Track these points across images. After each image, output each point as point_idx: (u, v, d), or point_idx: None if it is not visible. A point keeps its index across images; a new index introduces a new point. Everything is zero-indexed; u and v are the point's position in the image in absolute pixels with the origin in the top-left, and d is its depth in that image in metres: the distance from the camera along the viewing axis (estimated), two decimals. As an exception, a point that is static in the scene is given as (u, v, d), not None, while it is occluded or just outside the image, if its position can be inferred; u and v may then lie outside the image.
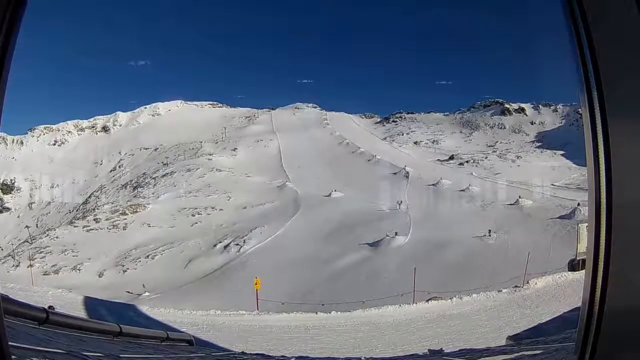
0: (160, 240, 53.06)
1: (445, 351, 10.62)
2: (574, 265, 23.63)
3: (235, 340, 15.68)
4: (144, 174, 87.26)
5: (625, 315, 1.49)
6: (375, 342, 15.97)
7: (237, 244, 46.58)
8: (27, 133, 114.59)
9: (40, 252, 53.64)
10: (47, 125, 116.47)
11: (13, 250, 56.89)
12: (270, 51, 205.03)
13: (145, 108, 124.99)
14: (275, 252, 42.60)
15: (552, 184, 59.86)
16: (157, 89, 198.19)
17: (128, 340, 5.81)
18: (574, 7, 1.54)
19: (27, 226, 74.28)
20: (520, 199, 50.55)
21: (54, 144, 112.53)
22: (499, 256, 34.60)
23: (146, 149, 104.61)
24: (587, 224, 1.67)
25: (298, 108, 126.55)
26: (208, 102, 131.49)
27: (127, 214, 63.60)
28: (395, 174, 69.91)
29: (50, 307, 4.77)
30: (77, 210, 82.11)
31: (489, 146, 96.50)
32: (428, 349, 12.81)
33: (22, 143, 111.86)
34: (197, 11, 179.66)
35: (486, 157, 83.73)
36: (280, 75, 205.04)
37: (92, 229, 60.39)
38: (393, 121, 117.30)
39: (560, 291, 20.36)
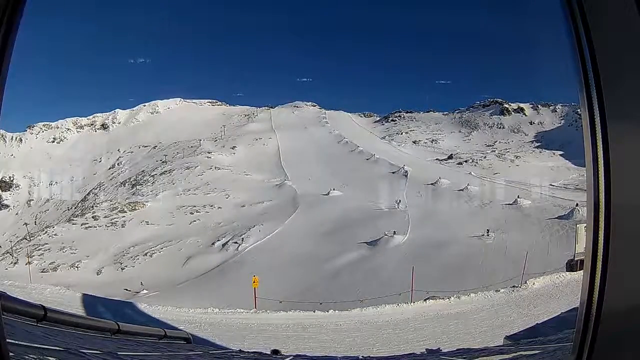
0: (159, 238, 53.04)
1: (442, 350, 10.63)
2: (572, 266, 23.68)
3: (233, 339, 15.69)
4: (142, 171, 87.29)
5: (623, 316, 1.49)
6: (372, 341, 15.98)
7: (236, 242, 46.56)
8: (26, 130, 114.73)
9: (39, 250, 53.62)
10: (46, 123, 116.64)
11: (11, 248, 56.85)
12: (269, 49, 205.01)
13: (145, 106, 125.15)
14: (274, 250, 42.58)
15: (551, 184, 59.85)
16: (157, 87, 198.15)
17: (126, 337, 5.81)
18: (573, 7, 1.54)
19: (25, 223, 74.33)
20: (518, 199, 50.55)
21: (53, 142, 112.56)
22: (497, 256, 34.63)
23: (145, 146, 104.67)
24: (585, 225, 1.68)
25: (297, 106, 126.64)
26: (207, 100, 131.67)
27: (125, 212, 63.59)
28: (393, 173, 69.93)
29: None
30: (75, 208, 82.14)
31: (488, 146, 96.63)
32: (426, 348, 12.83)
33: (21, 140, 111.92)
34: (197, 9, 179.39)
35: (485, 157, 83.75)
36: (279, 73, 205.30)
37: (91, 227, 60.38)
38: (392, 120, 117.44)
39: (558, 291, 20.39)
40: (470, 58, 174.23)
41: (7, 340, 1.94)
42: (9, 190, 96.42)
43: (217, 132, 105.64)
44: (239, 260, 41.98)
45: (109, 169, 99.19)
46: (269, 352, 8.97)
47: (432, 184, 62.14)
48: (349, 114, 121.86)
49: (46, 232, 60.70)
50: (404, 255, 36.60)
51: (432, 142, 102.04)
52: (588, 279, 1.55)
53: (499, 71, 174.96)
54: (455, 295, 21.24)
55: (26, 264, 47.19)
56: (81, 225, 61.44)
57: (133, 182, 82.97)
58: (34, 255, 51.46)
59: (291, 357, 7.77)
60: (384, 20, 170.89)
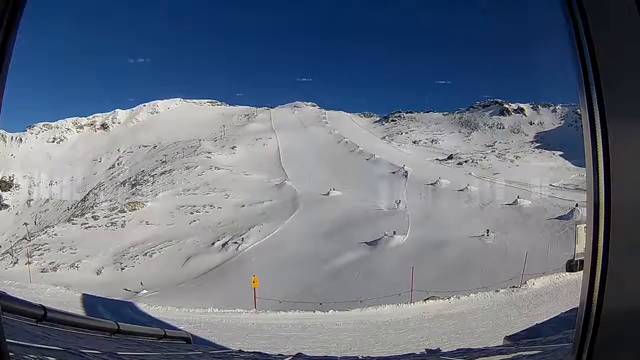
0: (159, 238, 53.05)
1: (442, 351, 10.63)
2: (571, 266, 23.66)
3: (233, 339, 15.67)
4: (142, 171, 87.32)
5: (623, 316, 1.49)
6: (372, 341, 15.97)
7: (235, 242, 46.58)
8: (26, 130, 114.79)
9: (39, 250, 53.61)
10: (46, 123, 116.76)
11: (11, 248, 56.87)
12: (269, 49, 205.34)
13: (144, 106, 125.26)
14: (274, 250, 42.58)
15: (551, 185, 59.88)
16: (156, 87, 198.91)
17: (126, 337, 5.81)
18: (573, 7, 1.54)
19: (25, 223, 74.35)
20: (518, 199, 50.54)
21: (53, 141, 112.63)
22: (497, 256, 34.59)
23: (145, 146, 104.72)
24: (585, 225, 1.67)
25: (297, 106, 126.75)
26: (207, 100, 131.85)
27: (125, 212, 63.60)
28: (393, 173, 69.93)
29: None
30: (75, 208, 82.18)
31: (488, 146, 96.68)
32: (425, 349, 12.82)
33: (21, 140, 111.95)
34: (197, 9, 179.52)
35: (485, 157, 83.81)
36: (280, 73, 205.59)
37: (91, 227, 60.39)
38: (392, 120, 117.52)
39: (557, 292, 20.38)
40: (471, 58, 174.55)
41: (7, 340, 1.94)
42: (9, 190, 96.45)
43: (217, 132, 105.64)
44: (239, 260, 42.00)
45: (109, 169, 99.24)
46: (268, 352, 8.97)
47: (432, 184, 62.13)
48: (349, 114, 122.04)
49: (46, 232, 60.70)
50: (404, 256, 36.58)
51: (432, 142, 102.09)
52: (588, 279, 1.55)
53: (499, 71, 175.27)
54: (455, 296, 21.22)
55: (26, 264, 47.20)
56: (81, 225, 61.45)
57: (133, 182, 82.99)
58: (33, 255, 51.46)
59: (291, 357, 7.76)
60: (384, 20, 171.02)
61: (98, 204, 74.44)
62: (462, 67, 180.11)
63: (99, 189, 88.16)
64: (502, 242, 38.49)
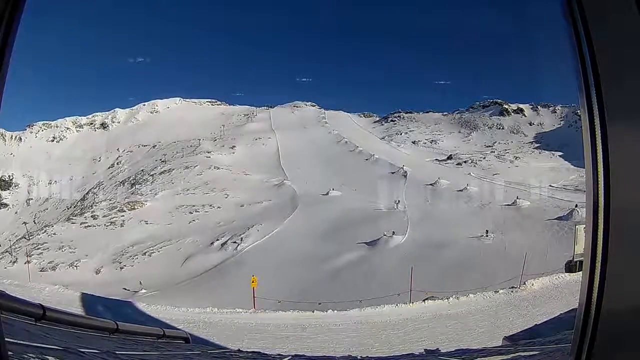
0: (158, 238, 53.01)
1: (441, 351, 10.63)
2: (571, 267, 23.65)
3: (232, 338, 15.68)
4: (142, 171, 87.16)
5: (622, 316, 1.49)
6: (371, 342, 15.97)
7: (235, 242, 46.57)
8: (26, 129, 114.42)
9: (38, 249, 53.58)
10: (45, 122, 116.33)
11: (10, 247, 56.78)
12: (268, 49, 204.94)
13: (144, 105, 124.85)
14: (273, 250, 42.58)
15: (550, 185, 59.83)
16: (156, 86, 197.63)
17: (124, 337, 5.80)
18: (573, 7, 1.54)
19: (24, 222, 74.08)
20: (518, 200, 50.57)
21: (52, 141, 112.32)
22: (496, 257, 34.59)
23: (144, 146, 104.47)
24: (584, 225, 1.67)
25: (296, 106, 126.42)
26: (207, 100, 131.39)
27: (124, 211, 63.56)
28: (393, 173, 69.90)
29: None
30: (74, 207, 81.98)
31: (487, 146, 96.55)
32: (424, 349, 12.82)
33: (21, 139, 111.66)
34: (196, 8, 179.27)
35: (484, 158, 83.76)
36: (279, 73, 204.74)
37: (90, 226, 60.35)
38: (391, 120, 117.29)
39: (557, 292, 20.38)
40: (470, 58, 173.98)
41: (6, 339, 1.93)
42: (9, 189, 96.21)
43: (217, 131, 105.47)
44: (238, 260, 42.00)
45: (109, 168, 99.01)
46: (267, 352, 8.97)
47: (431, 184, 62.12)
48: (348, 114, 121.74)
49: (45, 231, 60.64)
50: (403, 256, 36.60)
51: (431, 142, 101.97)
52: (587, 279, 1.55)
53: (499, 72, 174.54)
54: (454, 296, 21.22)
55: (25, 263, 47.17)
56: (80, 224, 61.42)
57: (132, 182, 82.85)
58: (33, 254, 51.42)
59: (290, 357, 7.76)
60: (383, 20, 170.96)
61: (97, 203, 74.36)
62: (462, 67, 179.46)
63: (99, 188, 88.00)
64: (501, 242, 38.49)
